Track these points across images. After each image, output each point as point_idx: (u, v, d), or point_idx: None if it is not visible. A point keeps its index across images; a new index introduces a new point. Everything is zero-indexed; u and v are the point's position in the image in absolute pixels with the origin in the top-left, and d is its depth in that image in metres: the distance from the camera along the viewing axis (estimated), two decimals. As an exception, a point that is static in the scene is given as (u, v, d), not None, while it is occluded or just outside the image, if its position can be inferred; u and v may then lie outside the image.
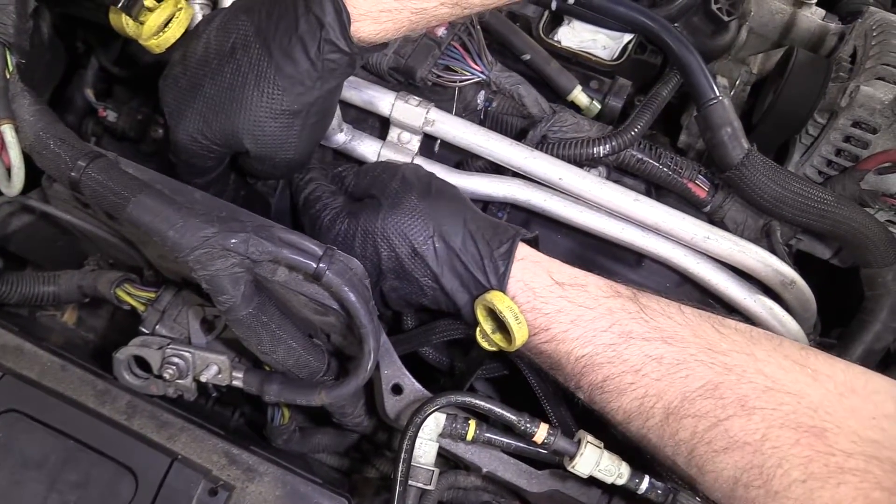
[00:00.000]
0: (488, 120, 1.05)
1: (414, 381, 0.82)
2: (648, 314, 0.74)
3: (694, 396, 0.69)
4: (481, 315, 0.79)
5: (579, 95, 1.07)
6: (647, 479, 0.74)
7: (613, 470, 0.73)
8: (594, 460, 0.72)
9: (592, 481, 0.74)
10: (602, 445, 0.74)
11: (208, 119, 0.81)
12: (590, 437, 0.73)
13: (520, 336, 0.75)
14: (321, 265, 0.72)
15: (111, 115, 1.14)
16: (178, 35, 0.87)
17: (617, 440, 0.84)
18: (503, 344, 0.78)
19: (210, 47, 0.81)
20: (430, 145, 1.01)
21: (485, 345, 0.80)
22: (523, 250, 0.79)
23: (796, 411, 0.65)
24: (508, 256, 0.77)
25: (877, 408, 0.64)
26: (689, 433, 0.69)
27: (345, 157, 1.00)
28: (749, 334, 0.72)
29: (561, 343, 0.75)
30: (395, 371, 0.82)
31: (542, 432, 0.73)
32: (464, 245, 0.79)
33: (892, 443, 0.61)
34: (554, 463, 0.78)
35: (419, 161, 0.97)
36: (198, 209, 0.72)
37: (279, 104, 0.79)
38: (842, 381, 0.66)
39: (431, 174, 0.87)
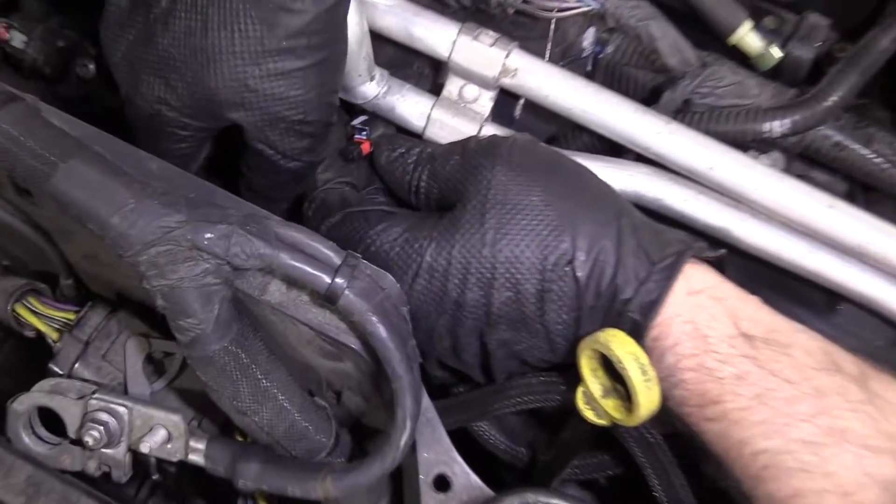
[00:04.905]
0: (600, 72, 1.07)
1: (468, 470, 0.83)
2: (881, 407, 0.73)
3: None
4: (587, 366, 0.79)
5: (747, 37, 1.05)
6: None
7: None
8: None
9: None
10: None
11: (170, 81, 0.85)
12: None
13: (646, 403, 0.75)
14: (338, 280, 0.72)
15: (17, 39, 1.16)
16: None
17: None
18: (617, 414, 0.78)
19: None
20: (510, 107, 1.03)
21: (589, 415, 0.80)
22: (699, 276, 0.79)
23: None
24: (668, 278, 0.77)
25: None
26: None
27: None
28: None
29: (734, 425, 0.75)
30: (440, 454, 0.83)
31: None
32: (618, 265, 0.78)
33: None
34: None
35: (491, 130, 0.97)
36: (157, 186, 0.72)
37: (261, 43, 0.82)
38: None
39: (555, 151, 0.86)
